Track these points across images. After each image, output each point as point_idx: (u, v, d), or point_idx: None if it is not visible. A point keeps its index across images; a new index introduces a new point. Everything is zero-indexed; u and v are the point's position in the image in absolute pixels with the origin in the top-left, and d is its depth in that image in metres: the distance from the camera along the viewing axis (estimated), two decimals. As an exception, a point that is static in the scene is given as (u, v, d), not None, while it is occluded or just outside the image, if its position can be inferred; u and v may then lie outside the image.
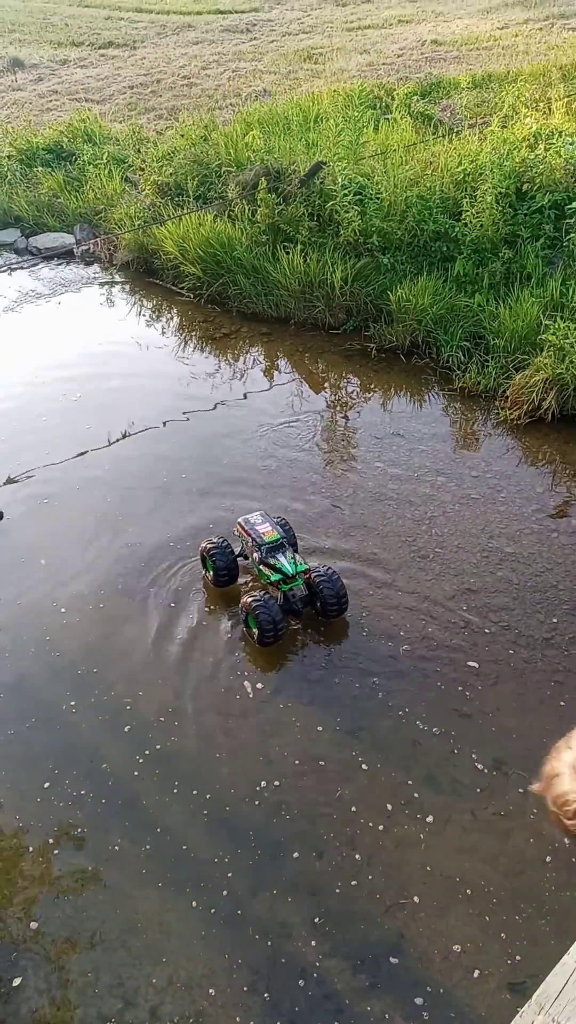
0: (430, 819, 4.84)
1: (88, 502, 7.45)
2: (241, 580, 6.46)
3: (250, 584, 6.44)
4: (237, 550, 6.40)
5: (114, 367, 9.77)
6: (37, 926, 4.45)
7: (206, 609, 6.30)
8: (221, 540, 6.34)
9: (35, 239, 13.14)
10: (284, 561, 6.02)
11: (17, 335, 10.64)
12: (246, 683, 5.68)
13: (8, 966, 4.31)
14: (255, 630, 5.83)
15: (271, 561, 6.04)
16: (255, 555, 6.17)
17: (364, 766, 5.13)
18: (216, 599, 6.37)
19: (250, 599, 5.81)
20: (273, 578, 6.01)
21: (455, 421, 8.47)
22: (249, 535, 6.21)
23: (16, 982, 4.24)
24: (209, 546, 6.31)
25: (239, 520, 6.40)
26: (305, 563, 6.12)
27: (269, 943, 4.33)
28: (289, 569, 5.98)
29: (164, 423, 8.57)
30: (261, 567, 6.12)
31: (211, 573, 6.36)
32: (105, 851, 4.77)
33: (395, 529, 6.93)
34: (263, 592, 5.94)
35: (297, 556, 6.18)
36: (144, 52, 21.78)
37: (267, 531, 6.16)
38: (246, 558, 6.40)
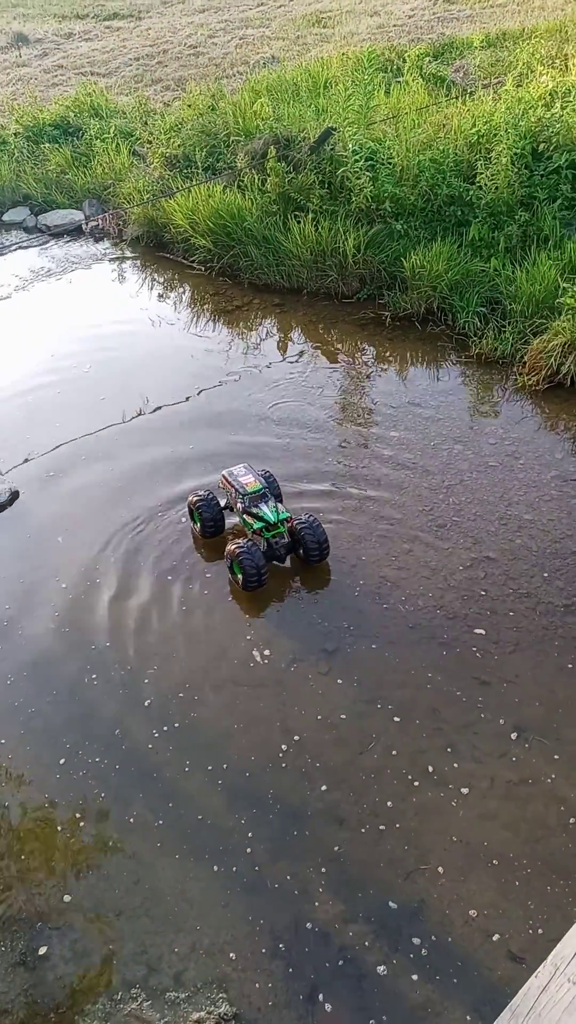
0: (450, 786, 4.83)
1: (101, 478, 7.43)
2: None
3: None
4: (223, 503, 6.58)
5: (126, 342, 9.72)
6: (64, 897, 4.50)
7: (208, 576, 6.30)
8: (207, 493, 6.56)
9: (44, 217, 13.04)
10: (266, 510, 6.21)
11: (29, 314, 10.60)
12: (255, 652, 5.68)
13: (33, 935, 4.37)
14: (239, 576, 6.03)
15: (254, 510, 6.24)
16: (239, 505, 6.36)
17: (383, 734, 5.12)
18: (220, 571, 6.36)
19: (234, 546, 6.03)
20: (256, 526, 6.19)
21: (472, 388, 8.35)
22: (232, 486, 6.41)
23: (42, 951, 4.30)
24: (195, 499, 6.53)
25: (223, 472, 6.60)
26: (287, 511, 6.28)
27: (290, 910, 4.36)
28: (271, 517, 6.17)
29: (177, 397, 8.51)
30: (244, 516, 6.32)
31: (198, 525, 6.58)
32: (128, 823, 4.81)
33: (412, 498, 6.86)
34: (247, 540, 6.11)
35: (279, 505, 6.33)
36: (150, 22, 21.44)
37: (250, 482, 6.38)
38: (232, 510, 6.56)
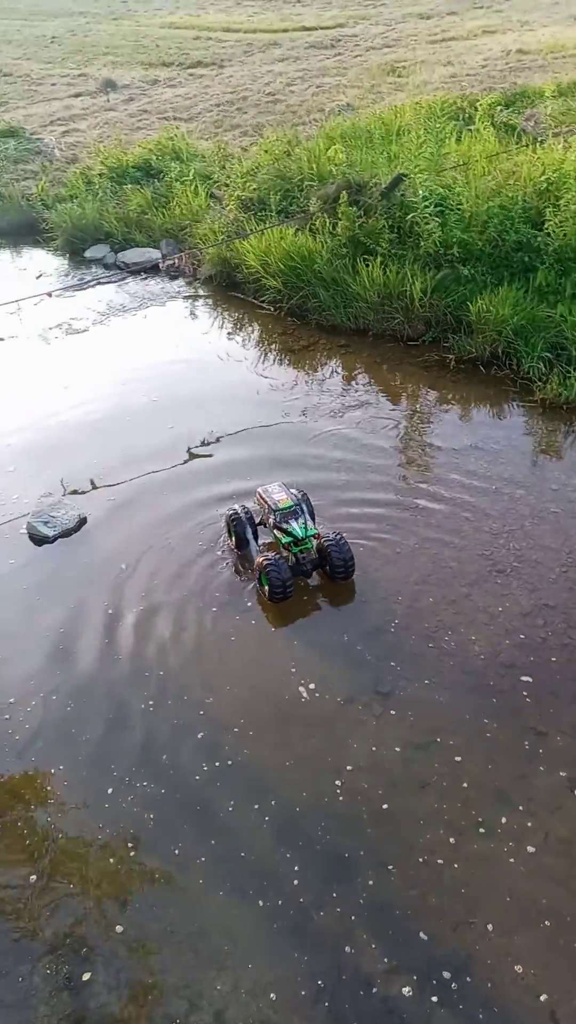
0: (502, 838, 4.74)
1: (163, 506, 7.58)
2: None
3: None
4: (258, 519, 6.87)
5: (195, 376, 9.95)
6: (112, 925, 4.55)
7: (260, 608, 6.35)
8: (243, 508, 6.85)
9: (123, 254, 13.52)
10: (295, 526, 6.50)
11: (105, 346, 10.96)
12: (307, 689, 5.69)
13: (79, 961, 4.41)
14: (266, 587, 6.30)
15: (284, 526, 6.54)
16: (270, 520, 6.66)
17: (435, 781, 5.07)
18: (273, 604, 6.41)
19: (263, 559, 6.32)
20: (284, 540, 6.47)
21: (535, 433, 8.31)
22: (266, 502, 6.69)
23: (86, 977, 4.34)
24: (231, 513, 6.84)
25: (258, 489, 6.88)
26: (315, 528, 6.55)
27: (334, 954, 4.32)
28: (299, 533, 6.46)
29: (242, 429, 8.66)
30: (275, 531, 6.62)
31: (233, 538, 6.87)
32: (176, 855, 4.84)
33: (471, 542, 6.83)
34: (276, 554, 6.40)
35: (309, 523, 6.59)
36: (231, 70, 22.21)
37: (282, 499, 6.65)
38: (265, 525, 6.81)
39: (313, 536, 6.49)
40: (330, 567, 6.41)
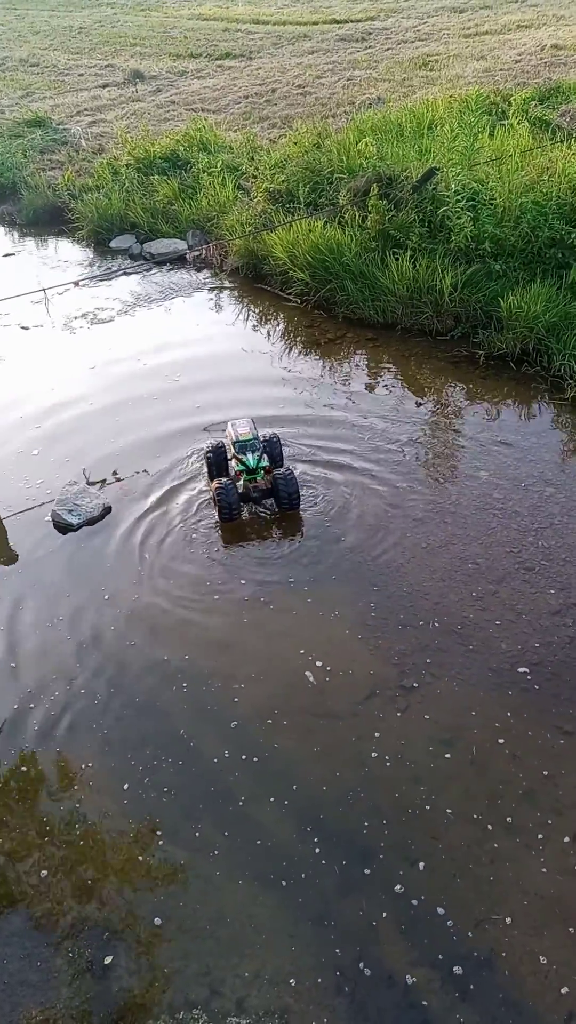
0: (527, 836, 4.71)
1: (188, 494, 7.58)
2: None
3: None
4: (228, 453, 7.54)
5: (220, 368, 9.90)
6: (133, 910, 4.55)
7: (285, 599, 6.34)
8: (218, 443, 7.65)
9: (149, 245, 13.50)
10: (249, 457, 7.27)
11: (130, 336, 10.94)
12: (333, 682, 5.67)
13: (101, 945, 4.43)
14: (217, 508, 7.15)
15: (240, 456, 7.33)
16: (232, 449, 7.41)
17: (460, 777, 5.04)
18: (295, 593, 6.39)
19: (216, 484, 7.17)
20: (238, 468, 7.31)
21: (566, 431, 8.22)
22: (232, 434, 7.45)
23: (107, 960, 4.36)
24: (206, 449, 7.68)
25: (230, 421, 7.61)
26: (266, 462, 7.35)
27: (356, 946, 4.31)
28: (251, 463, 7.26)
29: (265, 423, 8.61)
30: (233, 460, 7.42)
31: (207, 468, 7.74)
32: (198, 841, 4.85)
33: (499, 539, 6.78)
34: (228, 480, 7.24)
35: (263, 457, 7.35)
36: (260, 62, 22.10)
37: (244, 432, 7.42)
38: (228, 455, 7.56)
39: (263, 468, 7.25)
40: (276, 498, 7.20)
